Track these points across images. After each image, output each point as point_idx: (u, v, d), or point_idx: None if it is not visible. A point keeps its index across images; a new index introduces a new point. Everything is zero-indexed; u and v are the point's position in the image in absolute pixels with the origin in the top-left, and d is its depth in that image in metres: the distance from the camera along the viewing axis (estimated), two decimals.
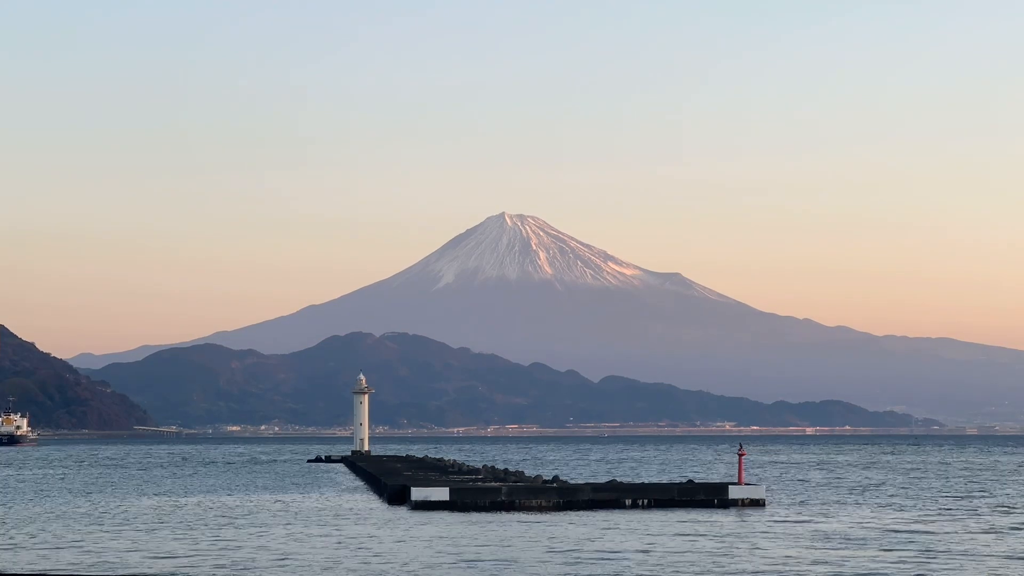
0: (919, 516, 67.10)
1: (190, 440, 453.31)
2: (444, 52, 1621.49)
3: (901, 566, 44.32)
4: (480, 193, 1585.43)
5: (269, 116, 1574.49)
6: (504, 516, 64.51)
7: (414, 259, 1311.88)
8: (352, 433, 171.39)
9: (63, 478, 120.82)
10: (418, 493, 70.35)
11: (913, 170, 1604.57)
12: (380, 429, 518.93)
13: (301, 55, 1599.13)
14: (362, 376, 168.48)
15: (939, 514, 68.54)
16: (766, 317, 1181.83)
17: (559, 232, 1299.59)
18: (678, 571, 43.08)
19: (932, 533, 56.87)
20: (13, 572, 43.14)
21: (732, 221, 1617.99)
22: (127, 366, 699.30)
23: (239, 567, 44.63)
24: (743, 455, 76.82)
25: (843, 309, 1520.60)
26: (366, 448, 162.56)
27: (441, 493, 69.86)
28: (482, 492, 69.91)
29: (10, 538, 56.33)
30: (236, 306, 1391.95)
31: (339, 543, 52.59)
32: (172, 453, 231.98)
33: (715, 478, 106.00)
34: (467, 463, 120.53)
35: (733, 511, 67.56)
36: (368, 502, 79.46)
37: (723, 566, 44.17)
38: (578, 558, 46.24)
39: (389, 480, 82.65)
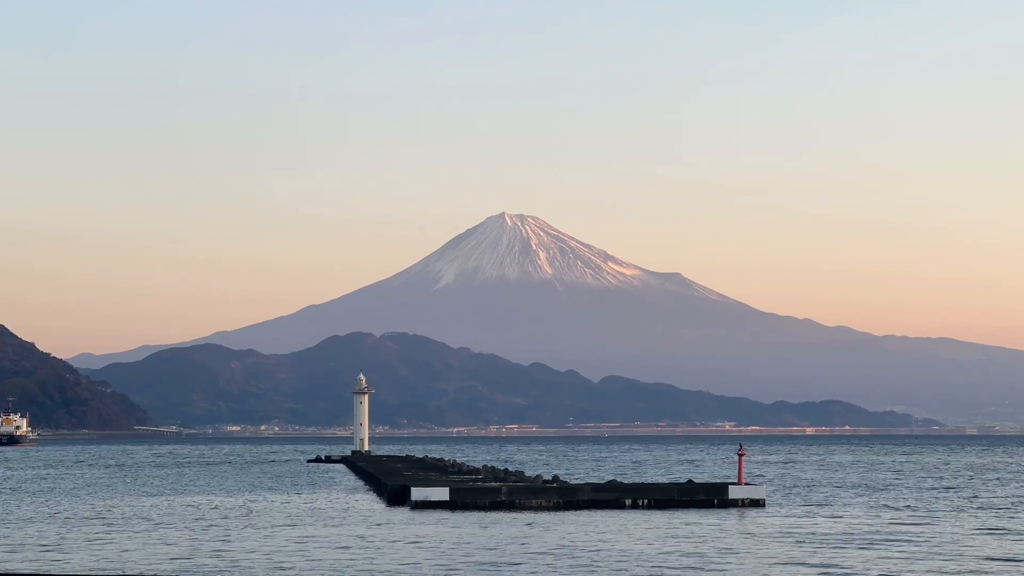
0: (919, 516, 67.08)
1: (190, 440, 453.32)
2: (444, 52, 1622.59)
3: (901, 566, 44.32)
4: (480, 193, 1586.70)
5: (269, 116, 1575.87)
6: (504, 516, 64.51)
7: (414, 259, 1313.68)
8: (352, 433, 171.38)
9: (63, 478, 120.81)
10: (418, 493, 70.35)
11: (913, 170, 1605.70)
12: (380, 429, 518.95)
13: (301, 55, 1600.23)
14: (362, 376, 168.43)
15: (938, 514, 68.53)
16: (766, 317, 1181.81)
17: (559, 232, 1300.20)
18: (678, 571, 43.09)
19: (932, 533, 56.86)
20: (13, 572, 43.14)
21: (732, 221, 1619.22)
22: (127, 366, 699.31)
23: (239, 568, 44.63)
24: (743, 455, 76.79)
25: (843, 309, 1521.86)
26: (366, 448, 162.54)
27: (441, 493, 69.87)
28: (482, 492, 69.92)
29: (11, 538, 56.34)
30: (236, 306, 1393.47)
31: (339, 543, 52.58)
32: (172, 453, 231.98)
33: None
34: (467, 463, 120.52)
35: (733, 511, 67.56)
36: (368, 502, 79.46)
37: (723, 566, 44.17)
38: (578, 558, 46.23)
39: (389, 480, 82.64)
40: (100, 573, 42.93)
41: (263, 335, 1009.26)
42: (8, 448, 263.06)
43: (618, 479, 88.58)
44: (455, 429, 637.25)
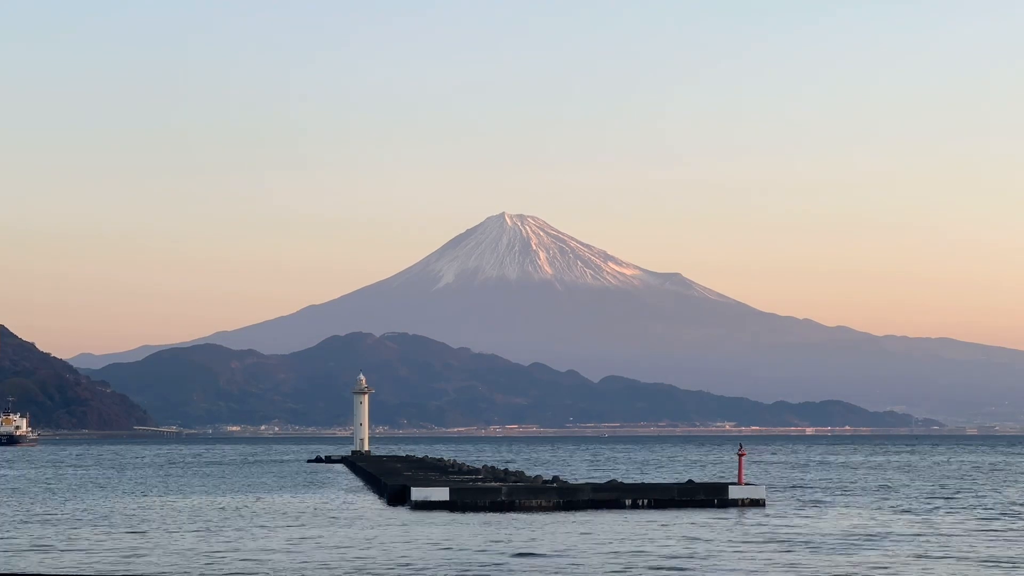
0: (919, 517, 67.08)
1: (190, 440, 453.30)
2: (443, 52, 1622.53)
3: (901, 566, 44.32)
4: (480, 193, 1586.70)
5: (269, 116, 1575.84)
6: (504, 516, 64.51)
7: (414, 259, 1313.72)
8: (352, 433, 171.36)
9: (61, 478, 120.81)
10: (418, 493, 70.34)
11: (912, 170, 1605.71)
12: (380, 429, 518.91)
13: (301, 55, 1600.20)
14: (362, 376, 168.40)
15: (939, 515, 68.53)
16: (766, 317, 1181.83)
17: (559, 232, 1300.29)
18: (677, 571, 43.09)
19: (932, 534, 56.86)
20: (13, 572, 43.15)
21: (732, 221, 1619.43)
22: (127, 366, 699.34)
23: (239, 568, 44.62)
24: (743, 455, 76.76)
25: (843, 309, 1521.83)
26: (366, 448, 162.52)
27: (441, 493, 69.86)
28: (482, 492, 69.91)
29: (10, 538, 56.35)
30: (236, 306, 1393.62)
31: (339, 543, 52.59)
32: (172, 453, 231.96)
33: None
34: (467, 463, 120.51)
35: (733, 511, 67.57)
36: (368, 502, 79.46)
37: (723, 566, 44.17)
38: (577, 558, 46.23)
39: (389, 480, 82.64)
40: (100, 574, 42.93)
41: (263, 335, 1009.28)
42: (8, 448, 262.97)
43: (618, 479, 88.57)
44: (454, 429, 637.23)
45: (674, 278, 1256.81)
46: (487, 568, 43.72)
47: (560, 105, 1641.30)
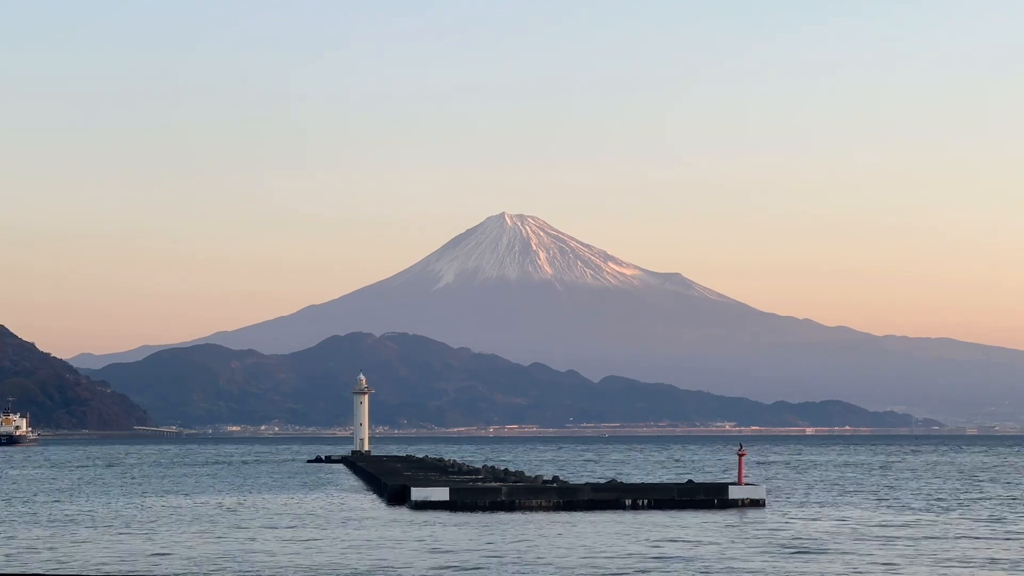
0: (920, 517, 67.08)
1: (190, 440, 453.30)
2: (443, 52, 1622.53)
3: (901, 566, 44.32)
4: (480, 193, 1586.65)
5: (269, 116, 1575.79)
6: (504, 516, 64.51)
7: (414, 259, 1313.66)
8: (352, 433, 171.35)
9: (61, 479, 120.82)
10: (418, 493, 70.35)
11: (913, 170, 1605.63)
12: (380, 429, 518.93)
13: (301, 55, 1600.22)
14: (362, 376, 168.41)
15: (940, 515, 68.52)
16: (766, 317, 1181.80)
17: (559, 232, 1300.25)
18: (677, 571, 43.08)
19: (932, 534, 56.85)
20: (13, 572, 43.15)
21: (732, 221, 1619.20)
22: (127, 366, 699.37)
23: (239, 568, 44.62)
24: (743, 455, 76.73)
25: (843, 309, 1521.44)
26: (366, 448, 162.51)
27: (441, 493, 69.87)
28: (482, 492, 69.91)
29: (11, 538, 56.35)
30: (236, 306, 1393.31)
31: (339, 543, 52.58)
32: (171, 453, 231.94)
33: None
34: (467, 463, 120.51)
35: (733, 511, 67.56)
36: (368, 502, 79.47)
37: (722, 566, 44.17)
38: (577, 558, 46.23)
39: (389, 480, 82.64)
40: (100, 574, 42.92)
41: (263, 335, 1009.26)
42: (8, 448, 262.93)
43: (618, 479, 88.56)
44: (454, 429, 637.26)
45: (674, 278, 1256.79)
46: (486, 568, 43.71)
47: (560, 105, 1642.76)
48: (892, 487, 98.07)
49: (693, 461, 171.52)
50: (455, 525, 59.58)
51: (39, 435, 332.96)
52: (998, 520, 64.62)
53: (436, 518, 63.41)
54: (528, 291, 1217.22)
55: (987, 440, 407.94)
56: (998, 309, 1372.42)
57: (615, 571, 43.00)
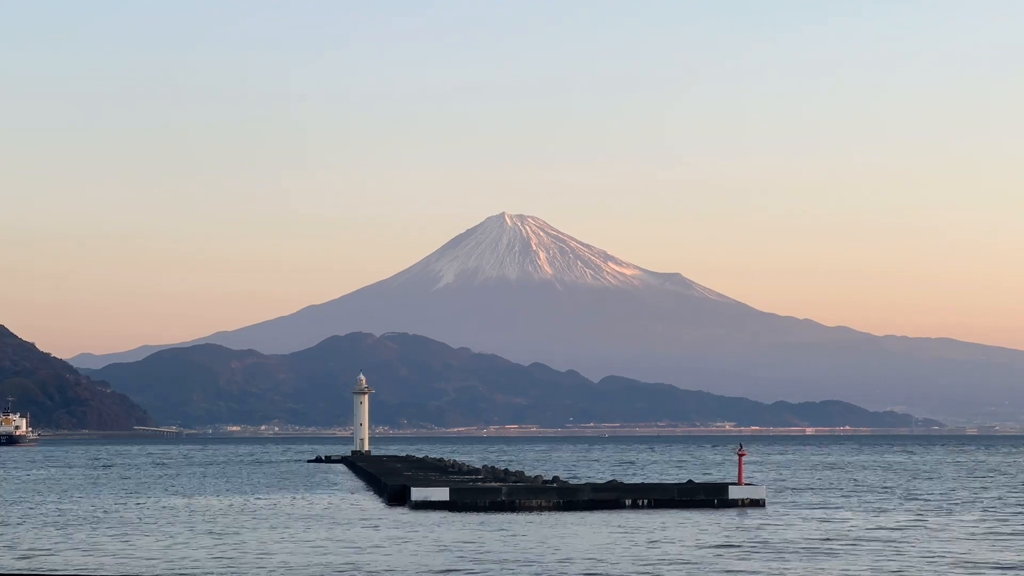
0: (920, 518, 67.04)
1: (190, 440, 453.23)
2: (443, 52, 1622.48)
3: (900, 566, 44.30)
4: (480, 193, 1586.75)
5: (269, 116, 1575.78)
6: (504, 516, 64.48)
7: (414, 259, 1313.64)
8: (352, 433, 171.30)
9: (62, 479, 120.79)
10: (418, 493, 70.32)
11: (913, 170, 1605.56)
12: (380, 429, 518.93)
13: (301, 55, 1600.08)
14: (362, 376, 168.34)
15: (941, 516, 68.48)
16: (766, 317, 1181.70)
17: (559, 232, 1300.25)
18: (676, 571, 43.05)
19: (933, 535, 56.83)
20: (14, 572, 43.13)
21: (732, 221, 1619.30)
22: (127, 366, 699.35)
23: (238, 568, 44.60)
24: (743, 455, 76.67)
25: (843, 309, 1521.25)
26: (366, 448, 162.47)
27: (441, 493, 69.84)
28: (482, 492, 69.88)
29: (10, 538, 56.33)
30: (236, 306, 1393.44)
31: (339, 544, 52.56)
32: (171, 453, 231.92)
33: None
34: (468, 463, 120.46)
35: (733, 511, 67.52)
36: (368, 502, 79.44)
37: (722, 566, 44.15)
38: (577, 558, 46.21)
39: (389, 480, 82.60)
40: (99, 574, 42.89)
41: (263, 335, 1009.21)
42: (7, 448, 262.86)
43: (618, 479, 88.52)
44: (454, 429, 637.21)
45: (674, 278, 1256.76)
46: (486, 568, 43.69)
47: (560, 105, 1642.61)
48: (893, 487, 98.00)
49: (693, 461, 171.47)
50: (455, 525, 59.55)
51: (39, 435, 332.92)
52: (1001, 522, 64.53)
53: (436, 518, 63.38)
54: (528, 291, 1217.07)
55: (987, 440, 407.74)
56: (998, 309, 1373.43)
57: (615, 571, 42.98)
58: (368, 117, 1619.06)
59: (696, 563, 44.91)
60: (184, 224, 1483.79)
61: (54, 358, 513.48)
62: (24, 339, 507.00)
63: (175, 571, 43.76)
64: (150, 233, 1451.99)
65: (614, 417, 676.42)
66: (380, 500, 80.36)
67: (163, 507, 76.38)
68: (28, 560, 47.19)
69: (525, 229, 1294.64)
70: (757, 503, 70.55)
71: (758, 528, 58.49)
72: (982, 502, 78.94)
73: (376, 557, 47.25)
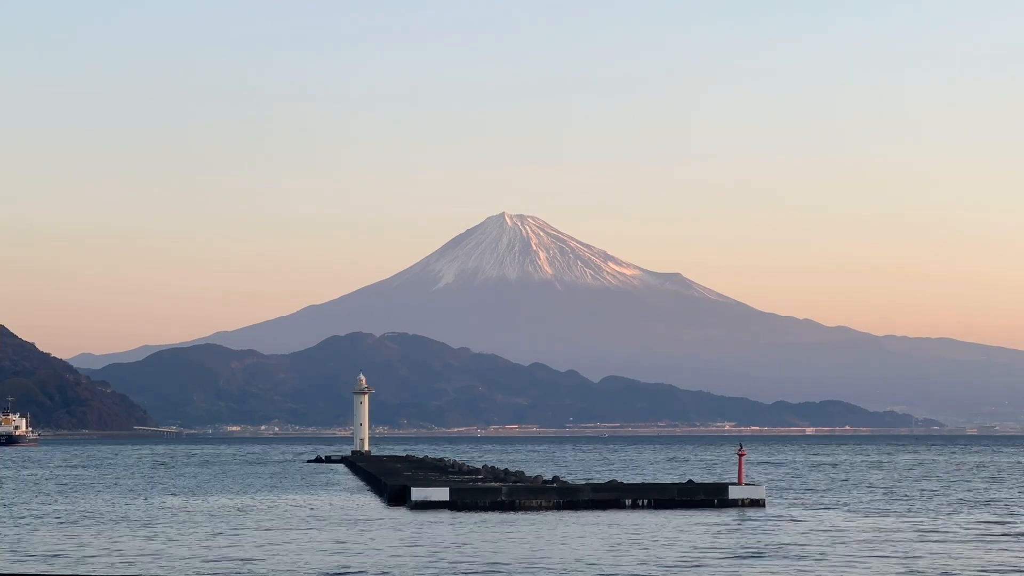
0: (921, 518, 67.00)
1: (190, 440, 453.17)
2: (444, 52, 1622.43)
3: (901, 567, 44.27)
4: (480, 193, 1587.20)
5: (270, 116, 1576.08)
6: (504, 516, 64.45)
7: (414, 259, 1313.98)
8: (352, 433, 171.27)
9: (63, 479, 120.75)
10: (418, 493, 70.27)
11: (913, 170, 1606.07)
12: (380, 429, 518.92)
13: (302, 55, 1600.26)
14: (362, 376, 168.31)
15: (942, 516, 68.44)
16: (766, 317, 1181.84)
17: (559, 232, 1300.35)
18: (677, 571, 43.02)
19: (934, 535, 56.80)
20: (13, 572, 43.09)
21: (732, 221, 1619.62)
22: (127, 366, 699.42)
23: (238, 568, 44.56)
24: (743, 455, 76.62)
25: (843, 309, 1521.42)
26: (366, 448, 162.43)
27: (441, 493, 69.79)
28: (482, 492, 69.84)
29: (12, 538, 56.30)
30: (236, 306, 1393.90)
31: (339, 544, 52.52)
32: (171, 453, 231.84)
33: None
34: (468, 463, 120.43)
35: (733, 511, 67.48)
36: (368, 502, 79.40)
37: (721, 566, 44.11)
38: (577, 558, 46.18)
39: (389, 480, 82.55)
40: (99, 573, 42.86)
41: (263, 335, 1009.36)
42: (7, 448, 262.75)
43: (618, 479, 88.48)
44: (454, 429, 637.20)
45: (674, 278, 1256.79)
46: (486, 568, 43.65)
47: (561, 105, 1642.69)
48: (893, 488, 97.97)
49: (694, 461, 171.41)
50: (455, 525, 59.51)
51: (39, 435, 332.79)
52: (1001, 522, 64.49)
53: (436, 518, 63.34)
54: (528, 291, 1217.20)
55: (987, 440, 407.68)
56: (998, 309, 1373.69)
57: (615, 571, 42.95)
58: (368, 117, 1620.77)
59: (696, 563, 44.88)
60: (184, 224, 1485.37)
61: (54, 358, 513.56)
62: (24, 339, 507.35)
63: (172, 571, 43.70)
64: (150, 233, 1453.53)
65: (614, 417, 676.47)
66: (380, 500, 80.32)
67: (162, 507, 76.29)
68: (28, 559, 47.18)
69: (525, 229, 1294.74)
70: (757, 503, 70.50)
71: (758, 528, 58.46)
72: (986, 503, 78.91)
73: (376, 557, 47.21)
